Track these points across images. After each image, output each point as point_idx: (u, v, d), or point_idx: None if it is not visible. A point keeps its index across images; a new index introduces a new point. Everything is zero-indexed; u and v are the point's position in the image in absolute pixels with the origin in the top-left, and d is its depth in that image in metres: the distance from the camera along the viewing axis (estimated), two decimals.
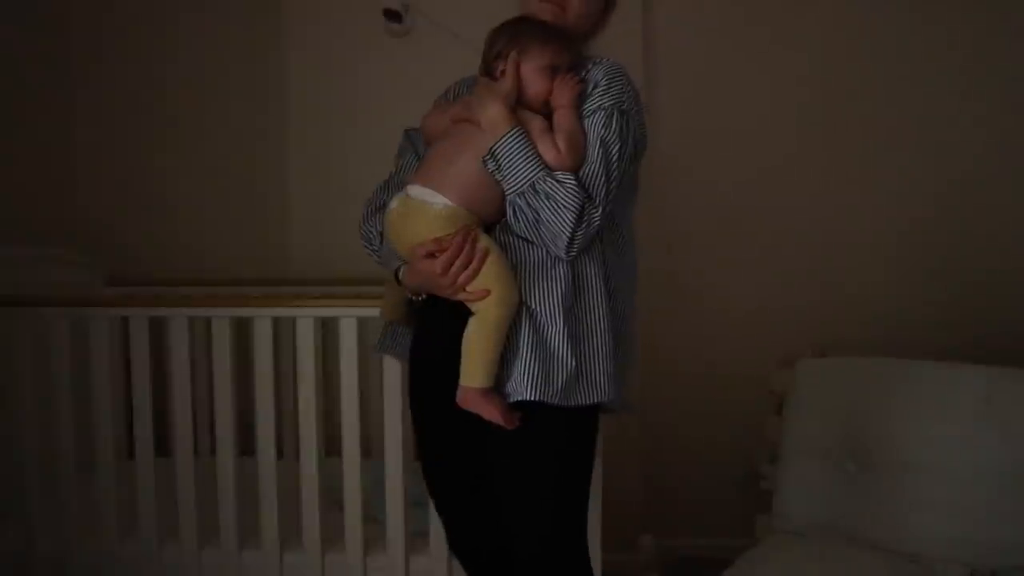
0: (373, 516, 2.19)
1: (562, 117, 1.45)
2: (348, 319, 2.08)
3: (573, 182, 1.40)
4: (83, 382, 2.17)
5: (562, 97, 1.46)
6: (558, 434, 1.46)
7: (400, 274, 1.54)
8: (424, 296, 1.52)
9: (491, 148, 1.42)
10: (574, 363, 1.42)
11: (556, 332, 1.42)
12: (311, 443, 2.10)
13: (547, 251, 1.44)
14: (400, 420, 2.07)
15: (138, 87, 2.87)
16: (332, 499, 2.20)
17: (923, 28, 2.67)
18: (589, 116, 1.45)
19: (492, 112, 1.43)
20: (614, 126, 1.44)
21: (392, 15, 2.77)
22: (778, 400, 2.35)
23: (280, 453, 2.21)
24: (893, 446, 2.11)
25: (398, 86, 2.85)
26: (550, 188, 1.39)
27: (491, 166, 1.42)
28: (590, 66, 1.50)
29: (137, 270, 2.84)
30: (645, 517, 2.74)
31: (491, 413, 1.42)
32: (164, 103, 2.88)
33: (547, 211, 1.39)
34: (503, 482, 1.50)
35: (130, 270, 2.82)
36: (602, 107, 1.45)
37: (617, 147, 1.44)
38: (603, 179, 1.43)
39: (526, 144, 1.41)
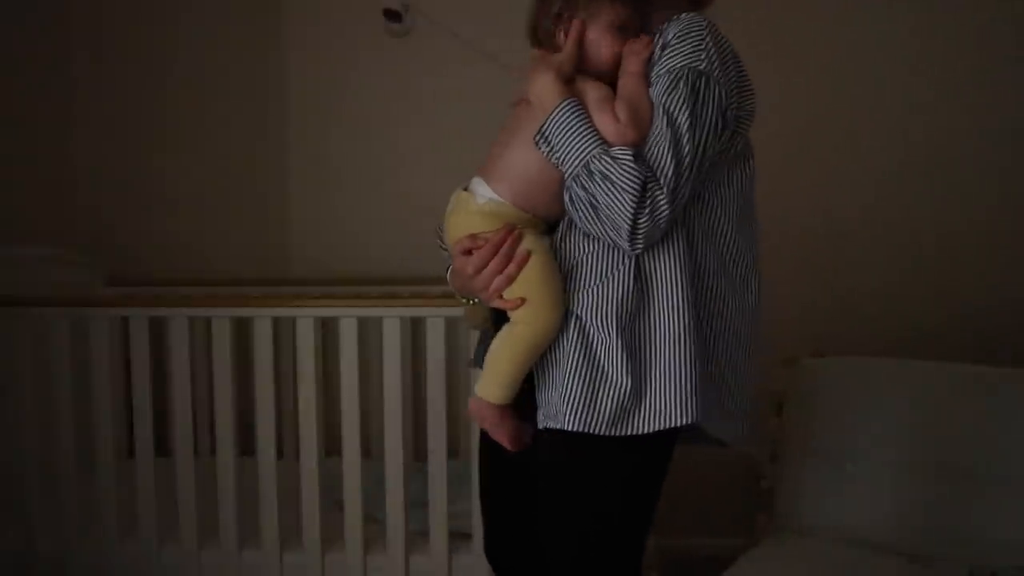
0: (373, 516, 2.19)
1: (625, 85, 1.24)
2: (348, 319, 2.08)
3: (630, 157, 1.17)
4: (83, 382, 2.17)
5: (630, 63, 1.25)
6: (612, 459, 1.26)
7: (448, 275, 1.41)
8: (473, 299, 1.38)
9: (540, 126, 1.23)
10: (629, 383, 1.21)
11: (609, 346, 1.22)
12: (311, 443, 2.10)
13: (612, 248, 1.24)
14: (400, 420, 2.08)
15: (138, 87, 2.87)
16: (332, 499, 2.20)
17: (922, 28, 2.66)
18: (654, 82, 1.23)
19: (540, 85, 1.24)
20: (681, 89, 1.20)
21: (392, 15, 2.77)
22: (778, 400, 2.35)
23: (280, 453, 2.22)
24: (893, 446, 2.11)
25: (398, 86, 2.85)
26: (605, 167, 1.17)
27: (543, 148, 1.23)
28: (665, 25, 1.26)
29: (137, 270, 2.84)
30: None
31: (496, 433, 1.30)
32: (164, 103, 2.88)
33: (603, 194, 1.17)
34: (542, 507, 1.34)
35: (130, 270, 2.83)
36: (669, 70, 1.21)
37: (687, 115, 1.19)
38: (670, 156, 1.18)
39: (580, 117, 1.21)
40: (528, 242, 1.26)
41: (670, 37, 1.24)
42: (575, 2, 1.27)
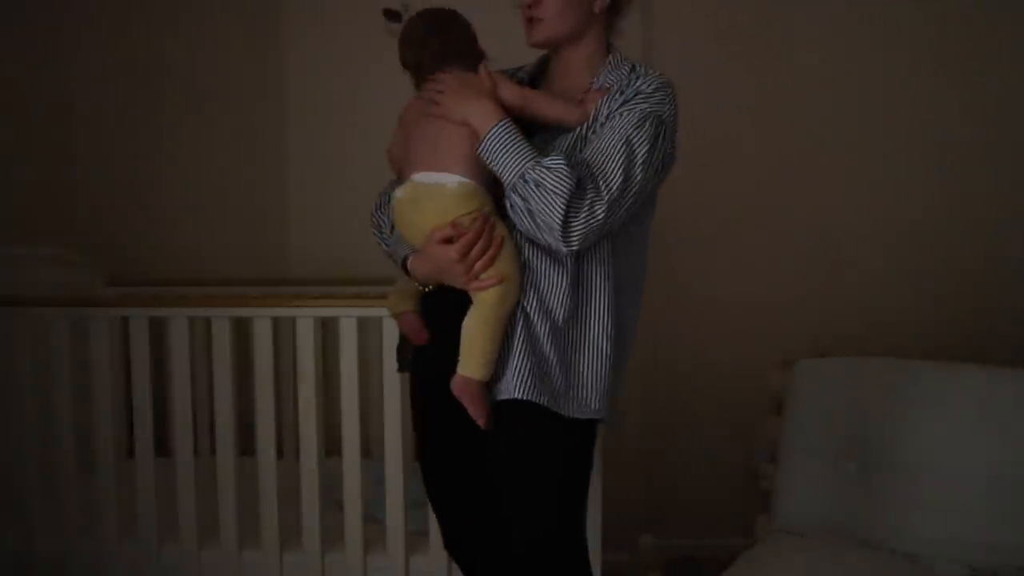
0: (373, 516, 2.19)
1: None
2: (348, 319, 2.08)
3: (562, 165, 1.33)
4: (83, 382, 2.17)
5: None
6: (556, 435, 1.44)
7: (408, 264, 1.51)
8: (431, 288, 1.50)
9: (481, 141, 1.38)
10: (563, 379, 1.42)
11: (547, 342, 1.41)
12: (311, 443, 2.10)
13: (550, 253, 1.40)
14: (400, 420, 2.08)
15: (138, 87, 2.87)
16: (332, 499, 2.20)
17: (922, 29, 2.66)
18: (622, 115, 1.40)
19: (474, 107, 1.39)
20: (647, 128, 1.38)
21: (392, 15, 2.77)
22: (778, 400, 2.35)
23: (280, 453, 2.21)
24: (893, 446, 2.11)
25: (398, 86, 2.84)
26: (539, 175, 1.33)
27: (484, 158, 1.39)
28: (636, 71, 1.46)
29: (137, 270, 2.84)
30: (645, 517, 2.74)
31: (476, 409, 1.42)
32: (164, 103, 2.88)
33: (536, 200, 1.33)
34: (502, 480, 1.49)
35: (130, 270, 2.83)
36: (641, 110, 1.39)
37: (645, 150, 1.37)
38: (620, 174, 1.35)
39: (514, 135, 1.37)
40: (501, 228, 1.41)
41: (645, 86, 1.42)
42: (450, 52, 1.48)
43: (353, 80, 2.87)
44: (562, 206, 1.32)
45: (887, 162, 2.70)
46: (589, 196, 1.34)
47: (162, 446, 2.22)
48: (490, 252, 1.38)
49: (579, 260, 1.42)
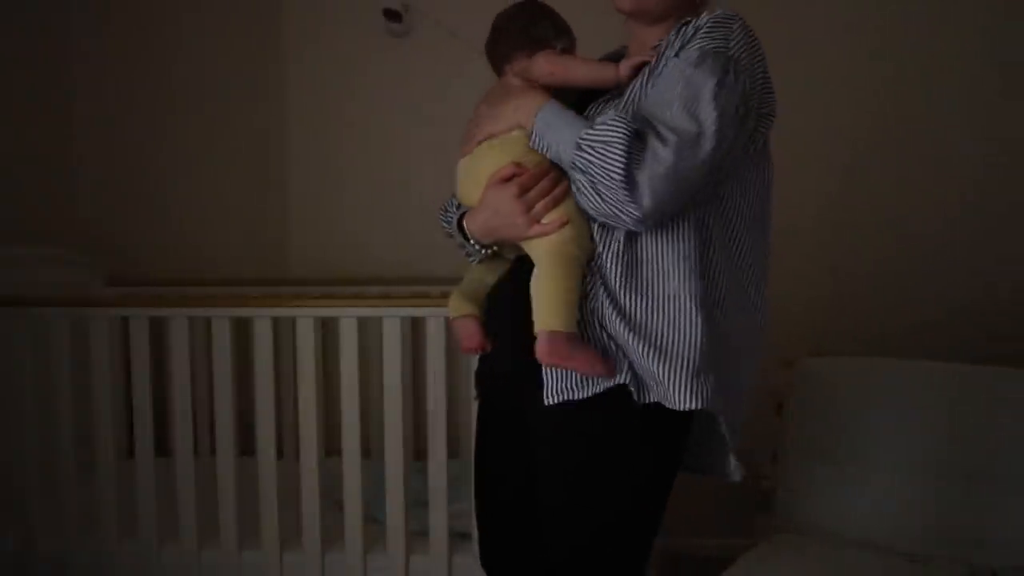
0: (373, 516, 2.19)
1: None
2: (348, 319, 2.08)
3: (614, 116, 1.17)
4: (83, 382, 2.17)
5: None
6: (629, 449, 1.26)
7: (464, 221, 1.37)
8: (491, 251, 1.36)
9: (531, 133, 1.26)
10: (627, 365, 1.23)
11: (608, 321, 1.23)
12: (311, 443, 2.10)
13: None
14: (400, 420, 2.08)
15: (138, 87, 2.88)
16: (332, 499, 2.20)
17: (924, 30, 2.66)
18: (683, 58, 1.22)
19: (517, 101, 1.29)
20: (708, 63, 1.18)
21: (392, 15, 2.77)
22: (778, 400, 2.35)
23: (280, 453, 2.21)
24: (893, 446, 2.11)
25: (398, 86, 2.85)
26: (593, 136, 1.17)
27: (541, 147, 1.26)
28: (699, 18, 1.27)
29: (137, 270, 2.84)
30: None
31: (580, 362, 1.20)
32: (164, 103, 2.88)
33: (595, 161, 1.16)
34: (554, 502, 1.33)
35: (130, 270, 2.83)
36: (699, 48, 1.21)
37: (711, 86, 1.16)
38: (683, 117, 1.16)
39: (563, 110, 1.25)
40: (567, 181, 1.26)
41: (702, 24, 1.24)
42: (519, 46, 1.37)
43: (353, 80, 2.87)
44: (620, 155, 1.13)
45: (888, 162, 2.70)
46: (650, 141, 1.15)
47: (162, 446, 2.22)
48: (556, 191, 1.24)
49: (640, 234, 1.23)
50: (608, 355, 1.23)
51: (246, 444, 2.27)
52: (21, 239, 2.51)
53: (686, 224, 1.23)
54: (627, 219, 1.18)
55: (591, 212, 1.23)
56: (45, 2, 2.74)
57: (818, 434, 2.21)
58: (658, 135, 1.16)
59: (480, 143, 1.34)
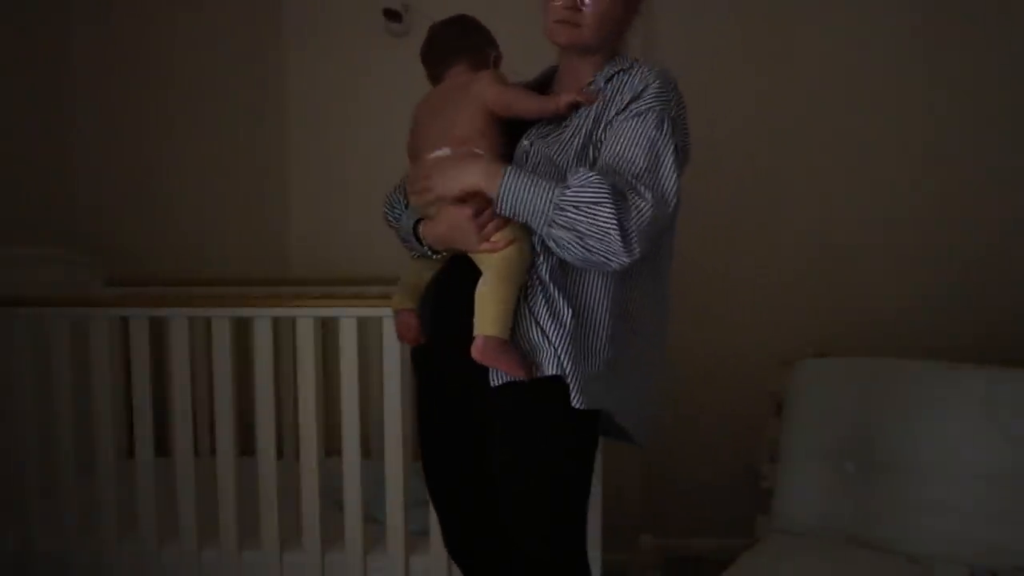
0: (373, 516, 2.19)
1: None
2: (348, 319, 2.08)
3: (590, 176, 1.31)
4: (83, 382, 2.17)
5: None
6: (556, 429, 1.43)
7: (420, 229, 1.51)
8: (442, 254, 1.50)
9: (497, 201, 1.37)
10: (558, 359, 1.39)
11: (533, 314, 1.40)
12: (311, 443, 2.10)
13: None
14: (400, 420, 2.08)
15: (138, 87, 2.87)
16: (332, 499, 2.20)
17: (923, 30, 2.66)
18: (639, 116, 1.38)
19: (473, 173, 1.40)
20: (666, 129, 1.37)
21: (392, 15, 2.77)
22: (778, 400, 2.35)
23: (280, 453, 2.21)
24: (893, 446, 2.11)
25: (398, 86, 2.84)
26: (573, 197, 1.31)
27: (509, 214, 1.37)
28: (635, 68, 1.43)
29: (137, 270, 2.84)
30: (645, 517, 2.74)
31: (508, 364, 1.37)
32: (164, 103, 2.88)
33: (582, 220, 1.30)
34: (503, 480, 1.48)
35: (130, 270, 2.83)
36: (652, 108, 1.37)
37: (671, 152, 1.36)
38: (657, 181, 1.35)
39: (526, 177, 1.35)
40: None
41: (652, 81, 1.39)
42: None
43: (353, 80, 2.87)
44: (611, 213, 1.28)
45: (888, 162, 2.70)
46: (631, 197, 1.32)
47: (162, 446, 2.22)
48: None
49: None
50: (535, 354, 1.39)
51: (246, 444, 2.27)
52: (21, 239, 2.51)
53: None
54: (615, 264, 1.33)
55: (571, 261, 1.37)
56: (45, 2, 2.74)
57: (818, 434, 2.21)
58: (637, 192, 1.32)
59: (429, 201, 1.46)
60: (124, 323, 2.22)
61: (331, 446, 2.17)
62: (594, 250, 1.31)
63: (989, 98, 2.65)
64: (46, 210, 2.72)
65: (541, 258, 1.40)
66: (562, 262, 1.39)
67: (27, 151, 2.65)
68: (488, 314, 1.38)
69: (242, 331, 2.18)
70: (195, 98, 2.89)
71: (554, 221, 1.32)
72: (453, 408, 1.55)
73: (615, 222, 1.28)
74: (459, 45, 1.58)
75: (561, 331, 1.38)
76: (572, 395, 1.37)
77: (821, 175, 2.73)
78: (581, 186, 1.30)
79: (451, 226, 1.43)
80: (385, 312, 2.08)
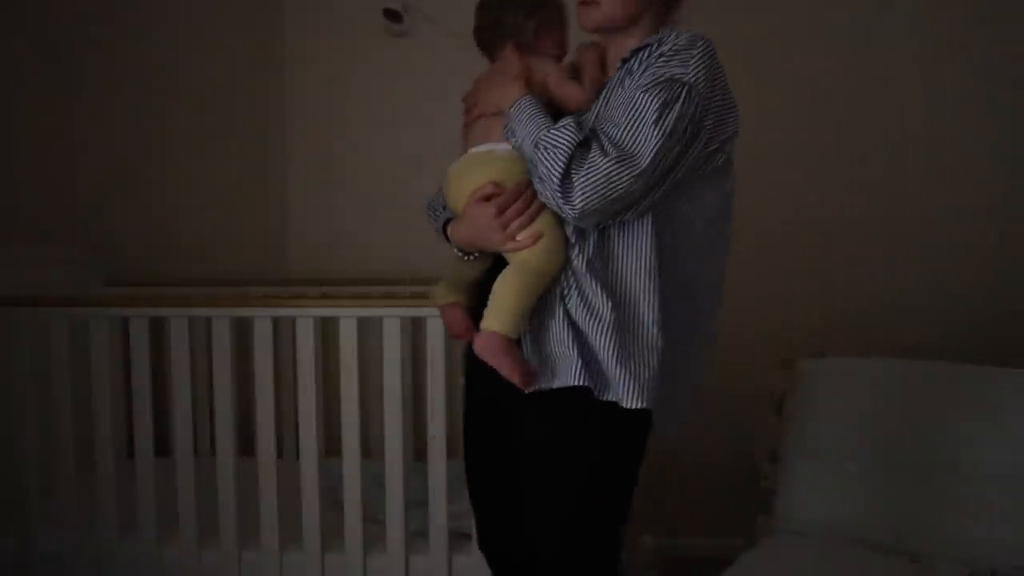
0: (373, 516, 2.19)
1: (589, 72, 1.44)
2: (348, 319, 2.08)
3: (568, 121, 1.29)
4: (83, 382, 2.17)
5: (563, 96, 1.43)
6: (588, 435, 1.36)
7: (448, 229, 1.48)
8: (474, 255, 1.45)
9: (511, 113, 1.36)
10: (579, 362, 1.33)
11: (567, 325, 1.34)
12: (311, 443, 2.10)
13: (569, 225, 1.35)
14: (400, 420, 2.08)
15: (138, 87, 2.87)
16: (332, 499, 2.20)
17: (923, 29, 2.66)
18: (638, 76, 1.33)
19: (501, 89, 1.39)
20: (657, 92, 1.28)
21: (392, 15, 2.77)
22: (778, 400, 2.35)
23: (280, 453, 2.21)
24: (893, 446, 2.11)
25: (398, 86, 2.85)
26: (547, 137, 1.29)
27: (510, 138, 1.37)
28: (665, 37, 1.36)
29: (137, 270, 2.84)
30: (645, 517, 2.74)
31: (506, 365, 1.32)
32: (164, 103, 2.88)
33: (542, 159, 1.28)
34: (527, 482, 1.44)
35: (130, 270, 2.82)
36: (652, 71, 1.31)
37: (655, 110, 1.26)
38: (625, 133, 1.27)
39: (535, 108, 1.34)
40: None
41: (667, 48, 1.33)
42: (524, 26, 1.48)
43: (353, 80, 2.88)
44: (559, 159, 1.26)
45: (888, 162, 2.70)
46: (593, 151, 1.27)
47: (162, 446, 2.22)
48: (532, 209, 1.35)
49: (608, 240, 1.35)
50: (560, 361, 1.34)
51: (246, 444, 2.27)
52: (21, 239, 2.51)
53: (645, 240, 1.34)
54: (563, 214, 1.30)
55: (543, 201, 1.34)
56: (45, 2, 2.74)
57: (818, 434, 2.21)
58: (601, 147, 1.27)
59: (469, 153, 1.45)
60: (124, 323, 2.22)
61: (331, 446, 2.17)
62: (542, 193, 1.31)
63: (993, 99, 2.65)
64: (46, 210, 2.72)
65: (576, 249, 1.35)
66: (600, 250, 1.34)
67: (27, 151, 2.65)
68: (495, 308, 1.33)
69: (242, 331, 2.18)
70: (196, 98, 2.89)
71: (531, 159, 1.32)
72: (488, 409, 1.51)
73: (560, 168, 1.26)
74: (506, 26, 1.52)
75: (600, 327, 1.32)
76: (622, 397, 1.32)
77: (821, 175, 2.73)
78: (555, 129, 1.29)
79: (475, 225, 1.39)
80: (385, 312, 2.09)
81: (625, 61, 1.39)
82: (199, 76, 2.88)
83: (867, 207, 2.72)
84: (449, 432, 2.12)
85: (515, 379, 1.33)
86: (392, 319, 2.08)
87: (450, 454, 2.12)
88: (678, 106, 1.28)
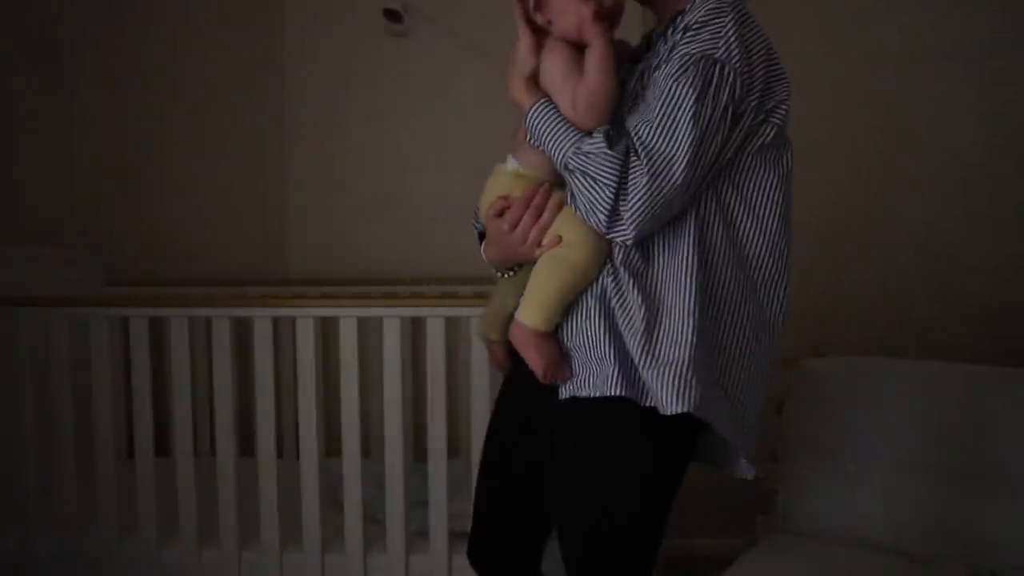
0: (373, 516, 2.19)
1: (587, 64, 1.22)
2: (348, 319, 2.08)
3: (602, 147, 1.17)
4: (83, 382, 2.17)
5: (587, 34, 1.23)
6: (626, 444, 1.27)
7: (482, 251, 1.42)
8: (511, 272, 1.38)
9: (526, 127, 1.28)
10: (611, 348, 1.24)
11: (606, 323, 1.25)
12: (311, 443, 2.10)
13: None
14: (400, 420, 2.08)
15: (138, 87, 2.87)
16: (332, 499, 2.20)
17: (922, 27, 2.66)
18: (670, 64, 1.19)
19: (513, 91, 1.29)
20: (690, 78, 1.16)
21: (392, 15, 2.77)
22: (778, 400, 2.35)
23: (280, 453, 2.21)
24: (892, 446, 2.11)
25: (398, 86, 2.85)
26: (581, 163, 1.19)
27: (536, 143, 1.28)
28: (689, 5, 1.24)
29: (137, 270, 2.84)
30: None
31: (534, 359, 1.27)
32: (164, 103, 2.88)
33: (582, 189, 1.19)
34: (556, 502, 1.36)
35: (130, 270, 2.82)
36: (682, 55, 1.18)
37: (692, 103, 1.15)
38: (664, 144, 1.15)
39: (551, 115, 1.24)
40: (558, 195, 1.29)
41: (691, 21, 1.21)
42: None
43: (353, 80, 2.87)
44: (606, 194, 1.16)
45: (888, 162, 2.70)
46: (632, 170, 1.16)
47: (162, 446, 2.22)
48: (543, 219, 1.27)
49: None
50: (590, 364, 1.26)
51: (246, 444, 2.27)
52: (21, 239, 2.51)
53: (686, 231, 1.24)
54: (618, 241, 1.22)
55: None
56: (45, 2, 2.74)
57: (818, 434, 2.21)
58: (639, 158, 1.16)
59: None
60: (124, 323, 2.22)
61: (331, 446, 2.17)
62: (588, 220, 1.21)
63: (994, 99, 2.65)
64: (46, 210, 2.72)
65: (616, 248, 1.25)
66: (640, 245, 1.24)
67: (27, 151, 2.65)
68: (527, 299, 1.29)
69: (242, 331, 2.18)
70: (195, 98, 2.89)
71: (564, 171, 1.24)
72: (518, 415, 1.45)
73: (605, 204, 1.17)
74: None
75: (631, 327, 1.23)
76: (653, 399, 1.21)
77: (820, 174, 2.73)
78: (587, 155, 1.19)
79: (498, 243, 1.34)
80: (385, 312, 2.09)
81: (662, 33, 1.29)
82: (199, 76, 2.88)
83: (867, 207, 2.72)
84: (449, 432, 2.12)
85: (538, 373, 1.28)
86: (392, 319, 2.08)
87: (450, 454, 2.12)
88: (712, 91, 1.16)
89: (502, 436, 1.49)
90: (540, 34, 1.31)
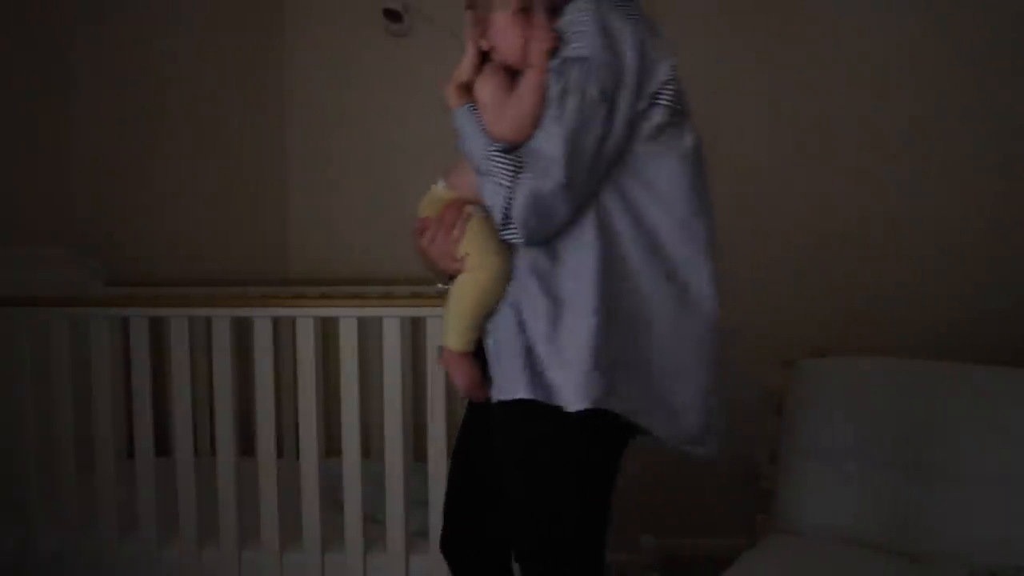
0: (373, 516, 2.20)
1: (527, 79, 1.27)
2: (348, 319, 2.08)
3: (499, 153, 1.25)
4: (83, 382, 2.17)
5: (531, 55, 1.27)
6: (545, 441, 1.32)
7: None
8: (445, 285, 1.46)
9: (456, 125, 1.35)
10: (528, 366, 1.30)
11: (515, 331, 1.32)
12: (311, 443, 2.10)
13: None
14: (400, 420, 2.08)
15: (138, 87, 2.87)
16: (332, 499, 2.20)
17: (922, 28, 2.66)
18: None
19: (447, 94, 1.37)
20: (554, 82, 1.23)
21: (392, 15, 2.77)
22: (778, 400, 2.35)
23: (280, 453, 2.21)
24: (893, 446, 2.11)
25: (398, 86, 2.85)
26: (487, 167, 1.27)
27: (463, 143, 1.34)
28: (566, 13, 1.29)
29: (137, 270, 2.84)
30: (645, 517, 2.74)
31: (456, 378, 1.40)
32: (164, 103, 2.88)
33: (487, 192, 1.27)
34: (506, 484, 1.42)
35: (130, 270, 2.83)
36: (560, 60, 1.24)
37: (555, 105, 1.22)
38: (543, 146, 1.22)
39: (469, 123, 1.32)
40: (469, 208, 1.38)
41: (563, 29, 1.26)
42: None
43: (353, 80, 2.87)
44: (501, 196, 1.24)
45: (888, 161, 2.70)
46: (522, 175, 1.23)
47: (162, 446, 2.22)
48: (454, 232, 1.36)
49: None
50: (509, 371, 1.32)
51: (246, 444, 2.27)
52: (21, 239, 2.51)
53: (587, 228, 1.27)
54: (513, 243, 1.29)
55: None
56: (45, 2, 2.74)
57: (818, 434, 2.21)
58: (524, 160, 1.24)
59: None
60: (124, 323, 2.22)
61: (331, 446, 2.17)
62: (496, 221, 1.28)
63: (994, 98, 2.65)
64: (46, 210, 2.72)
65: (521, 252, 1.32)
66: (548, 246, 1.28)
67: (27, 151, 2.65)
68: (446, 324, 1.40)
69: (242, 331, 2.18)
70: (195, 98, 2.89)
71: (478, 177, 1.30)
72: (479, 416, 1.50)
73: (500, 206, 1.24)
74: None
75: (536, 329, 1.28)
76: (563, 398, 1.27)
77: (821, 174, 2.73)
78: (490, 158, 1.27)
79: (424, 258, 1.44)
80: (385, 312, 2.09)
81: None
82: (198, 76, 2.88)
83: (868, 207, 2.71)
84: (449, 432, 2.11)
85: (460, 392, 1.40)
86: (392, 319, 2.08)
87: (450, 454, 2.12)
88: (572, 90, 1.21)
89: (469, 428, 1.56)
90: (485, 57, 1.37)
